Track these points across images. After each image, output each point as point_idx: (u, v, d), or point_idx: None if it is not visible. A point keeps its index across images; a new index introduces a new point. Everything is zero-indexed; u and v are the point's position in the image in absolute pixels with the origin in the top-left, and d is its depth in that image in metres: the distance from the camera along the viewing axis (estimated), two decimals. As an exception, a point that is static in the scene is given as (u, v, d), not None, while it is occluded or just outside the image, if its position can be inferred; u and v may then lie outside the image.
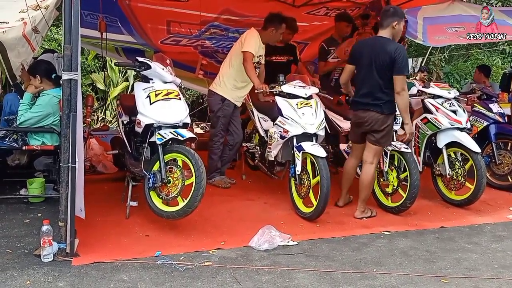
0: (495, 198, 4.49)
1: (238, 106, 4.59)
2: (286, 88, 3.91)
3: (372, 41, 3.69)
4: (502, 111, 4.94)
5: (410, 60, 9.92)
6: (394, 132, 4.04)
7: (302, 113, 3.76)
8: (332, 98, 4.68)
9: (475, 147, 4.00)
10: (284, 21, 4.40)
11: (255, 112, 4.58)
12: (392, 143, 3.89)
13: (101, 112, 8.49)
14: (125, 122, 3.89)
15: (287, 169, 4.14)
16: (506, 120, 4.95)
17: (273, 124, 4.03)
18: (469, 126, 4.28)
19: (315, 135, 3.78)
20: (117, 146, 4.18)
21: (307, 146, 3.62)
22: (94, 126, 7.07)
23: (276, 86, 3.98)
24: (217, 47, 6.00)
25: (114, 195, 4.00)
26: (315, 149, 3.58)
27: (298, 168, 3.66)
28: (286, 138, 3.81)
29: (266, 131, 4.30)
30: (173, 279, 2.57)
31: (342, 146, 4.49)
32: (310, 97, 3.89)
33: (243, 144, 4.88)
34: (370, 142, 3.66)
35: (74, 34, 2.64)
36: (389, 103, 3.55)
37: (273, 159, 4.07)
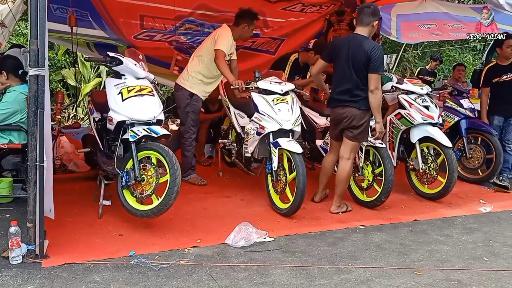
0: (466, 191, 4.61)
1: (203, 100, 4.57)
2: (262, 84, 3.89)
3: (349, 38, 3.68)
4: (473, 107, 5.08)
5: (384, 56, 10.08)
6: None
7: (278, 109, 3.75)
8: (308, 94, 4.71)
9: (447, 142, 4.10)
10: (256, 17, 4.37)
11: (232, 108, 4.54)
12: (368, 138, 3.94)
13: (72, 109, 8.27)
14: (96, 119, 3.79)
15: (263, 166, 4.13)
16: (476, 115, 5.09)
17: (250, 121, 4.01)
18: (441, 121, 4.37)
19: (292, 131, 3.78)
20: (89, 144, 4.07)
21: (283, 142, 3.62)
22: (65, 124, 6.87)
23: (252, 82, 3.96)
24: (192, 43, 5.92)
25: (86, 195, 3.90)
26: (291, 145, 3.58)
27: (275, 164, 3.66)
28: (263, 135, 3.80)
29: (242, 128, 4.27)
30: (148, 279, 2.53)
31: (318, 142, 4.52)
32: (286, 93, 3.88)
33: (219, 140, 4.85)
34: (348, 138, 3.68)
35: (40, 28, 2.53)
36: (366, 99, 3.57)
37: (249, 155, 4.05)
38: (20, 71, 3.63)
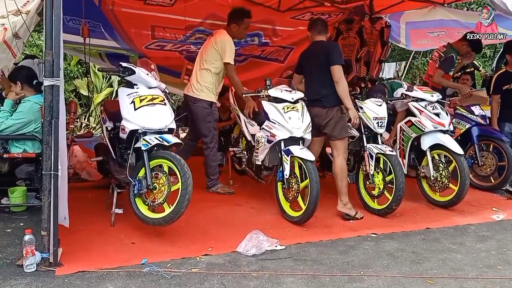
0: (478, 199, 4.56)
1: None
2: (273, 92, 3.92)
3: (312, 45, 4.01)
4: (484, 113, 5.03)
5: (393, 64, 10.07)
6: (379, 136, 4.10)
7: (289, 117, 3.77)
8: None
9: (458, 149, 4.07)
10: (246, 15, 4.39)
11: (242, 116, 4.57)
12: (378, 146, 3.93)
13: (84, 119, 8.38)
14: (109, 128, 3.83)
15: (274, 174, 4.13)
16: (488, 122, 5.05)
17: (260, 129, 4.03)
18: (452, 128, 4.34)
19: (302, 139, 3.79)
20: (101, 153, 4.12)
21: (296, 150, 3.63)
22: (78, 133, 6.97)
23: (263, 90, 3.99)
24: (202, 52, 5.98)
25: (99, 203, 3.94)
26: (304, 152, 3.60)
27: (287, 172, 3.66)
28: (273, 142, 3.81)
29: (253, 136, 4.29)
30: (160, 287, 2.54)
31: (328, 150, 4.51)
32: (296, 101, 3.90)
33: (230, 148, 4.87)
34: (329, 138, 3.93)
35: (55, 39, 2.59)
36: (328, 96, 3.83)
37: (260, 163, 4.06)
38: (34, 82, 3.70)
